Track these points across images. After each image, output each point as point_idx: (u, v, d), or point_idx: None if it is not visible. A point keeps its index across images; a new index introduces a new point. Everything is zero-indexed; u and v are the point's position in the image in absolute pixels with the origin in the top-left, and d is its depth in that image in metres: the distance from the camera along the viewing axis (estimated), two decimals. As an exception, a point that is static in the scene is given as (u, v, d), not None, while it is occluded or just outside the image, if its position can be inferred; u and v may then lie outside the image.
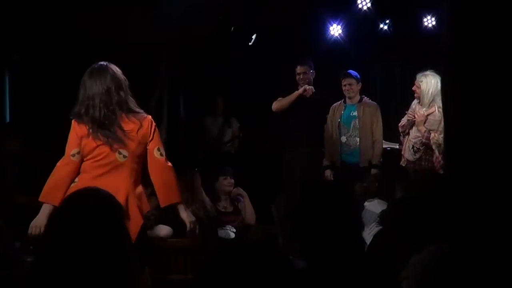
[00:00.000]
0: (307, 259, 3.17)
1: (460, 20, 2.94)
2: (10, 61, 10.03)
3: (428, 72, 7.54)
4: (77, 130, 5.16)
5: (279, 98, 8.78)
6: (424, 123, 7.57)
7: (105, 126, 5.07)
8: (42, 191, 5.14)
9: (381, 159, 8.54)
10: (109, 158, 5.15)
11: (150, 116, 5.21)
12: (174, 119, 9.86)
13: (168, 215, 5.81)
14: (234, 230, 7.58)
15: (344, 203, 3.25)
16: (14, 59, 9.99)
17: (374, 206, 6.33)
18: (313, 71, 8.87)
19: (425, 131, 7.54)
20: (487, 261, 2.87)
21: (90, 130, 5.11)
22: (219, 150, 10.48)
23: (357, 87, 8.67)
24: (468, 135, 2.88)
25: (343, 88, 8.67)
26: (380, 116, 8.65)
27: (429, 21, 10.41)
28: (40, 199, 5.13)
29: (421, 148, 7.63)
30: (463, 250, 3.01)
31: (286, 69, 9.18)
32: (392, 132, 8.77)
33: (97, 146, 5.14)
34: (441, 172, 6.52)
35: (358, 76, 8.70)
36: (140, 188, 5.19)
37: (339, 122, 8.63)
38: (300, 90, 8.62)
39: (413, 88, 7.76)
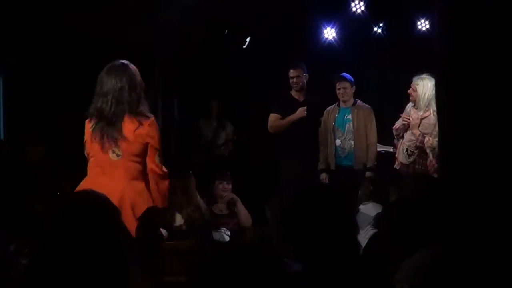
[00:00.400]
0: (301, 261, 3.18)
1: (452, 23, 2.95)
2: (5, 63, 10.02)
3: (424, 75, 7.54)
4: (87, 130, 5.21)
5: (272, 114, 8.88)
6: (419, 126, 7.58)
7: (110, 124, 5.10)
8: None
9: (376, 162, 8.56)
10: (102, 157, 5.17)
11: (153, 118, 5.21)
12: (168, 122, 9.87)
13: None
14: (229, 233, 7.59)
15: (339, 206, 3.26)
16: (9, 62, 9.98)
17: (369, 209, 6.34)
18: (306, 74, 8.91)
19: (419, 135, 7.54)
20: (480, 264, 2.88)
21: (91, 129, 5.14)
22: (213, 153, 10.49)
23: (351, 90, 8.68)
24: (462, 139, 2.89)
25: (337, 91, 8.68)
26: (374, 119, 8.66)
27: (423, 25, 10.43)
28: None
29: (415, 151, 7.63)
30: (456, 253, 3.02)
31: (280, 72, 9.20)
32: (386, 135, 8.78)
33: (93, 144, 5.16)
34: (435, 175, 6.54)
35: (352, 79, 8.71)
36: (141, 185, 5.18)
37: (333, 125, 8.64)
38: (298, 114, 8.73)
39: (408, 91, 7.76)
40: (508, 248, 2.79)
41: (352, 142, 8.57)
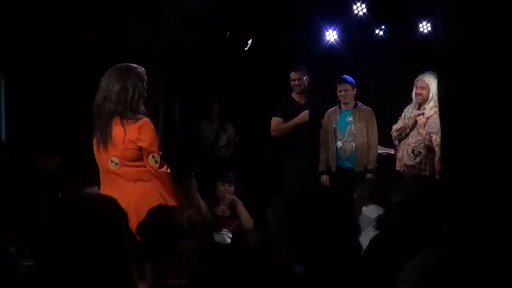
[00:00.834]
0: (303, 264, 3.17)
1: (455, 23, 2.95)
2: (6, 65, 10.03)
3: (430, 72, 7.53)
4: (94, 141, 5.28)
5: (274, 117, 8.90)
6: (425, 126, 7.58)
7: (103, 125, 5.12)
8: None
9: (377, 164, 8.56)
10: (104, 166, 5.21)
11: (143, 120, 5.17)
12: (169, 124, 9.86)
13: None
14: (231, 235, 7.58)
15: (340, 207, 3.26)
16: (10, 63, 9.98)
17: (370, 211, 6.33)
18: (307, 77, 8.93)
19: (426, 134, 7.54)
20: (483, 265, 2.88)
21: (94, 137, 5.19)
22: (214, 155, 10.48)
23: (352, 92, 8.68)
24: (464, 140, 2.88)
25: (339, 93, 8.68)
26: (375, 121, 8.66)
27: (425, 27, 10.42)
28: None
29: (422, 151, 7.63)
30: (459, 255, 3.01)
31: (281, 75, 9.20)
32: (387, 137, 8.78)
33: (97, 154, 5.21)
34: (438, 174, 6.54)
35: (354, 81, 8.71)
36: (144, 186, 5.18)
37: (334, 127, 8.64)
38: (301, 117, 8.77)
39: (417, 91, 7.73)
40: (511, 249, 2.78)
41: (353, 144, 8.57)
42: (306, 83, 8.94)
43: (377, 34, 10.62)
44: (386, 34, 10.58)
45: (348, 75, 8.76)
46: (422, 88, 7.70)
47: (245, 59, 10.39)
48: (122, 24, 8.94)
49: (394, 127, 8.12)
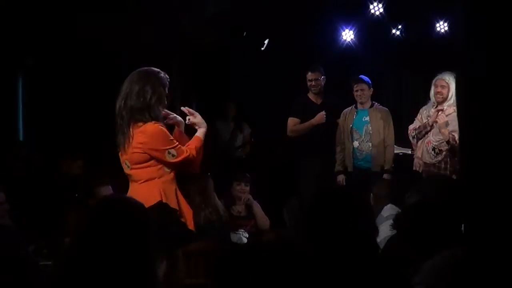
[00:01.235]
0: (320, 262, 3.16)
1: (474, 23, 2.94)
2: (23, 64, 10.08)
3: (449, 72, 7.52)
4: None
5: (290, 118, 8.90)
6: (446, 126, 7.56)
7: (121, 127, 5.16)
8: None
9: (393, 164, 8.54)
10: (124, 168, 5.28)
11: (147, 125, 5.16)
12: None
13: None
14: (247, 234, 7.58)
15: (357, 207, 3.25)
16: (27, 63, 10.04)
17: (386, 211, 6.30)
18: (324, 77, 8.92)
19: (449, 133, 7.52)
20: (500, 266, 2.87)
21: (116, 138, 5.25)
22: (231, 155, 10.49)
23: (368, 92, 8.67)
24: (482, 140, 2.87)
25: (355, 93, 8.67)
26: (391, 121, 8.64)
27: (442, 27, 10.38)
28: None
29: (443, 150, 7.62)
30: (476, 256, 3.00)
31: (298, 74, 9.20)
32: (404, 137, 8.76)
33: (119, 154, 5.27)
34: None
35: (370, 81, 8.69)
36: (149, 184, 5.20)
37: (351, 127, 8.63)
38: (317, 118, 8.75)
39: (437, 90, 7.72)
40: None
41: (370, 144, 8.56)
42: (322, 84, 8.93)
43: (394, 33, 10.59)
44: (403, 34, 10.54)
45: (365, 75, 8.75)
46: (442, 86, 7.68)
47: (261, 59, 10.39)
48: (140, 24, 8.97)
49: (411, 126, 8.10)
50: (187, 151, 5.19)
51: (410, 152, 8.99)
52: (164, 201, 5.13)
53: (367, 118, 8.62)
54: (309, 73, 8.93)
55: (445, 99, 7.72)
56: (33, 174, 8.37)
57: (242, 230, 7.62)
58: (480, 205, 2.92)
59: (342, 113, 8.78)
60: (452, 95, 7.57)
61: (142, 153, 5.15)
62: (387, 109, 8.77)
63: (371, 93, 8.70)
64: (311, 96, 8.99)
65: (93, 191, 6.95)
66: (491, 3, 2.87)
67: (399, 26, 10.52)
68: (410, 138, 8.14)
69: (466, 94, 3.00)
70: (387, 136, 8.56)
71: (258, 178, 8.68)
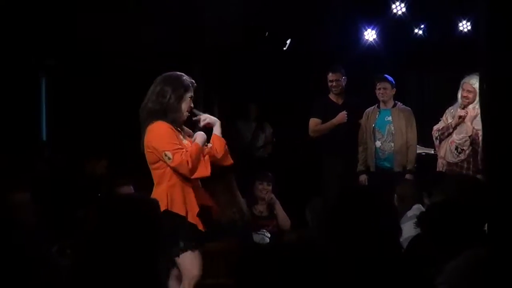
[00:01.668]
0: (342, 263, 3.16)
1: (496, 23, 2.92)
2: (45, 65, 10.14)
3: (477, 74, 7.48)
4: None
5: (312, 118, 8.90)
6: (472, 121, 7.54)
7: (142, 129, 5.24)
8: None
9: (415, 164, 8.51)
10: None
11: (153, 123, 5.24)
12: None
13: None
14: (269, 235, 7.58)
15: (380, 207, 3.24)
16: (49, 64, 10.10)
17: (412, 212, 6.27)
18: (345, 78, 8.90)
19: (473, 129, 7.50)
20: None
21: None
22: (253, 155, 10.49)
23: (391, 91, 8.64)
24: (507, 140, 2.86)
25: (377, 91, 8.64)
26: (414, 121, 8.61)
27: (465, 26, 10.33)
28: None
29: (465, 149, 7.59)
30: (499, 256, 2.99)
31: (319, 74, 9.19)
32: (426, 137, 8.73)
33: None
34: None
35: (393, 81, 8.67)
36: (159, 188, 5.26)
37: (373, 127, 8.60)
38: (339, 118, 8.75)
39: (464, 94, 7.70)
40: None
41: (392, 144, 8.53)
42: (343, 84, 8.91)
43: (416, 33, 10.55)
44: (425, 34, 10.51)
45: (387, 75, 8.73)
46: (468, 91, 7.67)
47: (283, 59, 10.38)
48: (162, 26, 9.00)
49: (435, 127, 8.07)
50: (182, 157, 5.19)
51: (433, 152, 8.95)
52: (169, 208, 5.16)
53: (390, 118, 8.59)
54: (330, 74, 8.91)
55: (471, 103, 7.70)
56: (56, 174, 8.41)
57: (264, 230, 7.62)
58: (503, 205, 2.91)
59: (365, 112, 8.76)
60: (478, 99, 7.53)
61: (150, 152, 5.22)
62: (409, 108, 8.74)
63: (393, 92, 8.67)
64: (332, 96, 8.98)
65: (115, 191, 6.98)
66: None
67: (422, 26, 10.49)
68: (434, 138, 8.12)
69: (489, 94, 2.99)
70: (409, 136, 8.53)
71: (280, 178, 8.68)
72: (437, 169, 7.99)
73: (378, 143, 8.59)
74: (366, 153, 8.67)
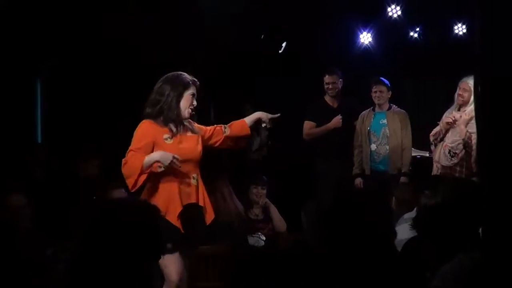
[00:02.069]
0: (337, 266, 3.16)
1: (492, 26, 2.93)
2: (42, 69, 10.13)
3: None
4: None
5: (306, 121, 8.91)
6: (466, 125, 7.53)
7: None
8: None
9: (411, 167, 8.52)
10: None
11: (142, 121, 5.32)
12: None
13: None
14: (264, 238, 7.58)
15: (375, 211, 3.24)
16: (46, 67, 10.09)
17: (409, 214, 6.26)
18: (341, 80, 8.90)
19: (466, 132, 7.49)
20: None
21: None
22: (247, 158, 10.47)
23: (387, 94, 8.64)
24: (501, 143, 2.86)
25: (373, 94, 8.64)
26: (409, 124, 8.62)
27: (460, 29, 10.35)
28: None
29: (458, 152, 7.58)
30: (494, 259, 2.99)
31: (315, 77, 9.19)
32: (421, 140, 8.74)
33: None
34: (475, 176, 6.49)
35: (389, 84, 8.67)
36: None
37: (368, 130, 8.61)
38: (334, 123, 8.75)
39: (459, 92, 7.68)
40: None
41: (388, 146, 8.54)
42: (340, 87, 8.91)
43: (412, 36, 10.57)
44: (421, 37, 10.52)
45: (383, 78, 8.73)
46: (464, 90, 7.64)
47: (279, 62, 10.38)
48: (156, 26, 9.00)
49: (433, 131, 8.06)
50: (126, 157, 5.20)
51: (427, 155, 8.96)
52: None
53: (385, 121, 8.60)
54: (327, 76, 8.90)
55: (466, 103, 7.67)
56: (52, 177, 8.40)
57: (259, 233, 7.62)
58: (498, 208, 2.91)
59: (360, 115, 8.76)
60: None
61: None
62: (404, 111, 8.75)
63: (389, 95, 8.68)
64: (327, 99, 8.97)
65: (107, 194, 6.97)
66: (507, 6, 2.86)
67: (417, 29, 10.50)
68: (430, 142, 8.12)
69: (483, 97, 2.99)
70: (404, 139, 8.54)
71: (275, 180, 8.67)
72: (433, 173, 7.99)
73: (373, 146, 8.60)
74: (361, 156, 8.68)
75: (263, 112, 5.89)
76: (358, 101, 9.07)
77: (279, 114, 5.83)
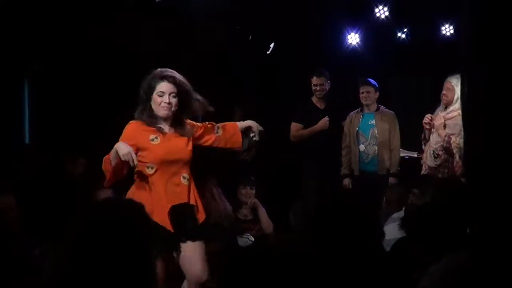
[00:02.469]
0: (325, 266, 3.16)
1: (478, 26, 2.94)
2: (30, 70, 10.11)
3: (458, 75, 7.47)
4: None
5: (293, 123, 8.92)
6: (444, 127, 7.52)
7: None
8: None
9: (399, 168, 8.53)
10: None
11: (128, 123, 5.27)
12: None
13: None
14: (253, 238, 7.58)
15: (363, 211, 3.25)
16: (34, 68, 10.06)
17: (398, 214, 6.28)
18: (329, 82, 8.89)
19: (445, 135, 7.48)
20: (506, 271, 2.86)
21: None
22: (236, 158, 10.46)
23: (374, 95, 8.65)
24: (487, 142, 2.87)
25: (361, 95, 8.65)
26: (397, 125, 8.63)
27: (447, 29, 10.38)
28: None
29: (441, 153, 7.58)
30: (482, 259, 2.99)
31: (303, 78, 9.19)
32: (409, 140, 8.75)
33: None
34: (461, 177, 6.50)
35: (376, 84, 8.68)
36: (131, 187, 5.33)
37: (357, 130, 8.62)
38: (321, 125, 8.75)
39: (443, 92, 7.66)
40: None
41: (376, 147, 8.55)
42: (327, 88, 8.90)
43: (399, 37, 10.59)
44: (408, 37, 10.55)
45: (371, 78, 8.74)
46: (447, 89, 7.62)
47: (267, 63, 10.38)
48: (144, 27, 8.99)
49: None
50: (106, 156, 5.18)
51: (416, 155, 8.97)
52: None
53: (373, 122, 8.61)
54: (314, 78, 8.89)
55: (449, 102, 7.64)
56: (40, 177, 8.36)
57: (248, 234, 7.62)
58: (485, 208, 2.92)
59: (348, 116, 8.77)
60: (457, 99, 7.52)
61: None
62: (393, 112, 8.76)
63: (377, 96, 8.68)
64: (315, 100, 8.96)
65: (94, 194, 6.95)
66: (495, 6, 2.87)
67: (405, 29, 10.53)
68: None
69: (470, 97, 3.00)
70: (392, 139, 8.55)
71: (263, 181, 8.67)
72: (421, 173, 7.99)
73: (362, 147, 8.61)
74: (349, 156, 8.69)
75: (254, 122, 5.85)
76: (345, 102, 9.08)
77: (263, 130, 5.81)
